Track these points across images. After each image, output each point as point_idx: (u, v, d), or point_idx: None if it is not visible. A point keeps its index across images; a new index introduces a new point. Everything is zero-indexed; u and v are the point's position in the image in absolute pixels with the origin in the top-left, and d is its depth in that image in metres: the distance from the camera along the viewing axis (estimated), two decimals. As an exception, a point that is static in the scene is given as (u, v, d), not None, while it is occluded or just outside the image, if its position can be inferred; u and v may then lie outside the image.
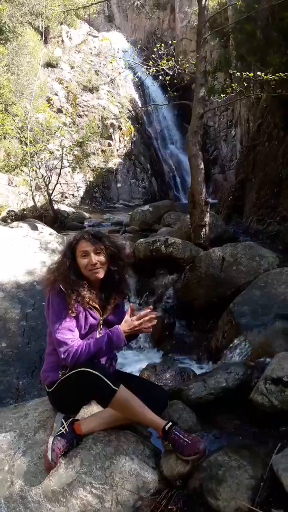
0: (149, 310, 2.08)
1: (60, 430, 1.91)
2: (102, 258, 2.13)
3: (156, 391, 2.15)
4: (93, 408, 2.13)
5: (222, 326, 3.63)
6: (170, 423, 1.90)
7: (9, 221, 7.89)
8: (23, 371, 3.43)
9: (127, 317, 2.06)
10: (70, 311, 2.04)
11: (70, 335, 2.01)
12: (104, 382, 1.85)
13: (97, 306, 2.15)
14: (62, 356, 1.97)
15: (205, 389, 2.40)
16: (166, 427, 1.88)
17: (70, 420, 1.97)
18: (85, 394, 2.01)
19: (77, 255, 2.13)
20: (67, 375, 1.98)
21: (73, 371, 1.95)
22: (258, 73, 4.85)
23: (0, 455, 1.89)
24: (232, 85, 5.52)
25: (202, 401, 2.35)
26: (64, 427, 1.93)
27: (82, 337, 2.09)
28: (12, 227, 6.17)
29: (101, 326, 2.19)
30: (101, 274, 2.13)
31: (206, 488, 1.71)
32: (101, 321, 2.18)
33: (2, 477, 1.80)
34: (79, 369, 1.93)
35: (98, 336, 2.14)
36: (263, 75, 4.86)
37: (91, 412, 2.10)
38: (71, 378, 1.96)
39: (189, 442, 1.82)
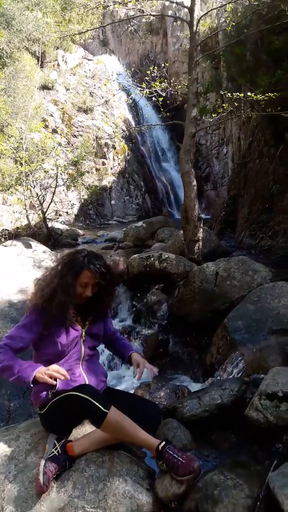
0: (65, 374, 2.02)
1: (53, 452, 1.86)
2: (95, 289, 2.14)
3: (149, 408, 2.11)
4: (86, 428, 2.08)
5: (216, 342, 3.60)
6: (164, 442, 1.86)
7: (3, 239, 7.89)
8: (14, 392, 3.36)
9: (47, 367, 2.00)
10: (36, 326, 2.06)
11: (11, 339, 2.01)
12: (94, 405, 1.82)
13: (77, 319, 2.17)
14: None
15: (199, 406, 2.36)
16: (160, 447, 1.84)
17: (63, 441, 1.93)
18: (76, 417, 1.98)
19: (77, 281, 2.09)
20: (56, 398, 1.95)
21: (62, 395, 1.92)
22: (248, 93, 4.96)
23: (-11, 479, 1.84)
24: (223, 105, 5.64)
25: (196, 418, 2.31)
26: (56, 448, 1.88)
27: (64, 348, 2.10)
28: (6, 246, 6.16)
29: (84, 337, 2.18)
30: (85, 300, 2.16)
31: (201, 509, 1.66)
32: (83, 333, 2.18)
33: (-8, 502, 1.74)
34: (68, 393, 1.90)
35: (82, 349, 2.15)
36: (252, 95, 4.97)
37: (84, 432, 2.05)
38: (61, 402, 1.92)
39: (183, 461, 1.78)
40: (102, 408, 1.82)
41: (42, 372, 1.93)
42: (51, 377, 1.92)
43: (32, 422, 2.27)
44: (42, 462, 1.81)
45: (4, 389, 3.33)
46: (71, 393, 1.89)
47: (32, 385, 1.95)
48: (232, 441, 2.19)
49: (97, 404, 1.82)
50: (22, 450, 2.00)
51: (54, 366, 1.97)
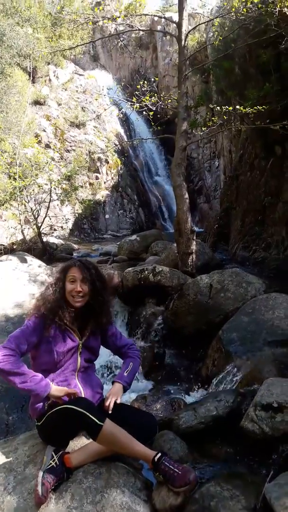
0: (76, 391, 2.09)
1: (50, 464, 1.88)
2: (86, 288, 2.21)
3: (144, 419, 2.14)
4: (83, 440, 2.10)
5: (211, 354, 3.63)
6: (160, 454, 1.88)
7: (-2, 254, 7.89)
8: (13, 406, 3.36)
9: (61, 388, 2.06)
10: (35, 333, 2.10)
11: (11, 344, 2.02)
12: (89, 419, 1.85)
13: (74, 328, 2.21)
14: None
15: (195, 418, 2.38)
16: (156, 458, 1.87)
17: (60, 453, 1.95)
18: (72, 429, 2.00)
19: (67, 279, 2.23)
20: (52, 411, 1.97)
21: (57, 408, 1.95)
22: (237, 106, 5.09)
23: (-11, 492, 1.85)
24: (213, 118, 5.76)
25: (192, 430, 2.34)
26: (54, 460, 1.90)
27: (60, 357, 2.14)
28: (1, 260, 6.18)
29: (81, 349, 2.22)
30: (80, 304, 2.21)
31: (199, 520, 1.68)
32: (81, 345, 2.22)
33: (-9, 516, 1.75)
34: (64, 406, 1.93)
35: (78, 360, 2.20)
36: (241, 108, 5.09)
37: (81, 444, 2.07)
38: (56, 415, 1.95)
39: (180, 472, 1.80)
40: (97, 421, 1.85)
41: (58, 390, 2.03)
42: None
43: (30, 434, 2.28)
44: (40, 473, 1.82)
45: (2, 403, 3.34)
46: (66, 406, 1.92)
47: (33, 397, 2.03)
48: (228, 452, 2.21)
49: (92, 417, 1.85)
50: (20, 462, 2.02)
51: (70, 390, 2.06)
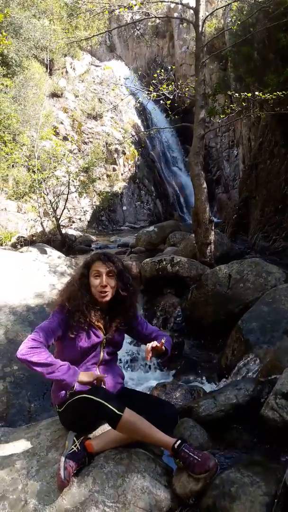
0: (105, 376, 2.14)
1: (72, 449, 1.92)
2: (112, 282, 2.19)
3: (165, 409, 2.15)
4: (105, 426, 2.14)
5: (231, 344, 3.62)
6: (180, 441, 1.90)
7: (19, 246, 8.01)
8: (35, 394, 3.44)
9: (89, 372, 2.10)
10: (60, 326, 2.11)
11: (39, 334, 2.03)
12: (108, 408, 1.87)
13: (100, 325, 2.20)
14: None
15: (215, 406, 2.39)
16: (176, 445, 1.88)
17: (82, 438, 1.99)
18: (91, 418, 2.04)
19: (91, 274, 2.20)
20: (72, 399, 2.00)
21: (77, 397, 1.97)
22: (256, 93, 4.99)
23: (13, 474, 1.91)
24: (232, 105, 5.67)
25: (212, 418, 2.34)
26: (76, 445, 1.94)
27: (84, 353, 2.16)
28: (22, 252, 6.28)
29: (105, 345, 2.23)
30: (107, 298, 2.19)
31: (219, 506, 1.69)
32: (105, 340, 2.22)
33: (16, 496, 1.80)
34: (80, 396, 1.96)
35: (101, 354, 2.21)
36: (261, 94, 4.99)
37: (102, 430, 2.11)
38: (75, 404, 1.98)
39: (199, 459, 1.81)
40: (116, 411, 1.87)
41: (86, 375, 2.05)
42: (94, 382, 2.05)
43: (52, 420, 2.34)
44: (63, 458, 1.87)
45: (24, 390, 3.42)
46: (85, 395, 1.94)
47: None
48: (248, 441, 2.21)
49: (110, 407, 1.87)
50: (43, 446, 2.07)
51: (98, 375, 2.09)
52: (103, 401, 1.88)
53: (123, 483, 1.80)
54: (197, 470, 1.79)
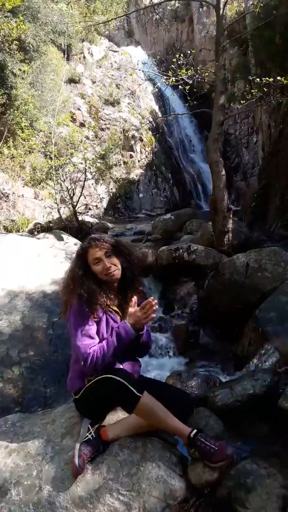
0: (150, 298, 2.07)
1: (87, 436, 1.92)
2: (114, 259, 2.16)
3: (182, 397, 2.13)
4: (119, 414, 2.13)
5: (247, 333, 3.57)
6: (195, 431, 1.88)
7: (36, 233, 8.05)
8: (50, 380, 3.47)
9: (130, 310, 2.07)
10: (91, 317, 2.06)
11: (90, 340, 2.03)
12: (128, 389, 1.86)
13: (116, 309, 2.18)
14: (82, 363, 2.00)
15: (232, 396, 2.36)
16: (191, 435, 1.86)
17: (96, 426, 1.98)
18: (110, 400, 2.01)
19: (90, 264, 2.16)
20: (91, 382, 1.99)
21: (97, 378, 1.96)
22: (278, 78, 4.82)
23: (28, 460, 1.92)
24: (252, 91, 5.51)
25: (229, 408, 2.32)
26: (90, 433, 1.94)
27: (104, 338, 2.11)
28: (39, 238, 6.30)
29: None
30: (118, 275, 2.16)
31: (234, 497, 1.67)
32: None
33: (31, 482, 1.82)
34: (103, 376, 1.94)
35: None
36: (282, 79, 4.83)
37: (117, 418, 2.10)
38: (95, 385, 1.97)
39: (216, 448, 1.79)
40: (135, 392, 1.86)
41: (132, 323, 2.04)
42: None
43: (67, 407, 2.34)
44: (77, 445, 1.87)
45: (40, 376, 3.46)
46: (106, 375, 1.93)
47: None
48: (265, 432, 2.18)
49: (130, 387, 1.86)
50: (58, 433, 2.08)
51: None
52: (124, 381, 1.87)
53: (138, 471, 1.79)
54: (215, 459, 1.77)
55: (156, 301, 2.07)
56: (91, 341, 2.03)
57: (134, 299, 2.11)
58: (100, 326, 2.11)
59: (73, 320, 2.09)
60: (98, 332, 2.11)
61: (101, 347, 2.01)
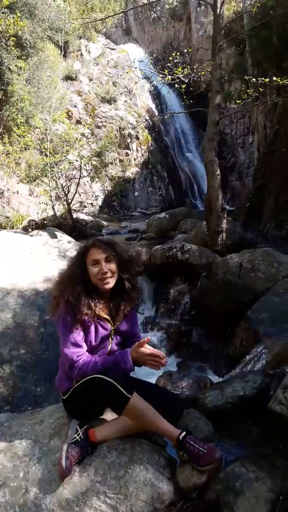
0: (163, 355, 2.02)
1: (75, 438, 1.89)
2: (113, 266, 2.09)
3: (171, 399, 2.11)
4: (108, 415, 2.11)
5: (239, 334, 3.56)
6: (184, 433, 1.86)
7: (30, 230, 8.01)
8: (41, 378, 3.45)
9: (139, 349, 1.99)
10: (78, 325, 2.02)
11: (77, 349, 1.99)
12: (117, 389, 1.83)
13: (107, 316, 2.12)
14: (68, 369, 1.98)
15: (222, 397, 2.34)
16: (180, 437, 1.84)
17: (85, 427, 1.96)
18: (99, 401, 1.98)
19: (88, 263, 2.09)
20: (80, 382, 1.97)
21: (86, 378, 1.94)
22: (274, 78, 4.82)
23: (15, 461, 1.90)
24: (248, 91, 5.50)
25: (219, 410, 2.30)
26: (78, 434, 1.91)
27: (93, 348, 2.08)
28: (32, 235, 6.26)
29: (113, 336, 2.16)
30: (110, 284, 2.09)
31: (222, 501, 1.65)
32: (113, 331, 2.15)
33: (17, 484, 1.79)
34: (92, 376, 1.91)
35: (109, 346, 2.13)
36: (279, 80, 4.82)
37: (106, 420, 2.08)
38: (84, 385, 1.95)
39: (205, 451, 1.77)
40: (125, 392, 1.83)
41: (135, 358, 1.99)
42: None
43: (55, 407, 2.32)
44: (65, 447, 1.84)
45: (31, 374, 3.44)
46: (95, 375, 1.90)
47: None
48: (254, 434, 2.17)
49: (120, 388, 1.84)
50: (46, 434, 2.06)
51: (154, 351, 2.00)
52: (113, 382, 1.84)
53: (126, 474, 1.77)
54: (203, 462, 1.75)
55: (167, 359, 2.06)
56: (78, 349, 2.00)
57: (147, 338, 2.03)
58: (88, 334, 2.07)
59: (61, 326, 2.05)
60: (86, 340, 2.06)
61: (95, 363, 1.97)
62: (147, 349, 1.99)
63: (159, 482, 1.77)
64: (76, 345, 2.00)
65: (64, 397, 2.10)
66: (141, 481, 1.75)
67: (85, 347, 2.04)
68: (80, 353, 1.99)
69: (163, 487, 1.77)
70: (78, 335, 2.02)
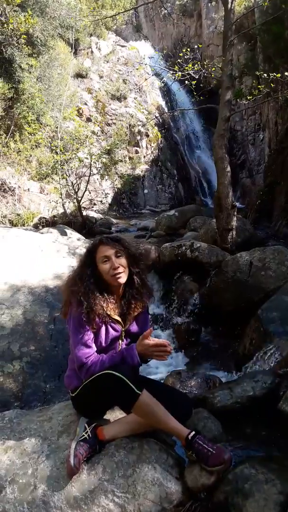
0: (167, 342, 2.00)
1: (83, 435, 1.89)
2: (123, 260, 2.07)
3: (180, 399, 2.09)
4: (116, 414, 2.10)
5: (249, 333, 3.53)
6: (194, 432, 1.84)
7: (40, 227, 8.05)
8: (50, 375, 3.46)
9: (144, 341, 1.97)
10: (90, 326, 2.00)
11: (87, 350, 1.98)
12: (128, 385, 1.82)
13: (118, 318, 2.10)
14: (78, 371, 1.97)
15: (231, 397, 2.32)
16: (189, 436, 1.83)
17: (93, 425, 1.95)
18: (108, 397, 1.96)
19: (98, 262, 2.08)
20: (90, 378, 1.96)
21: (97, 374, 1.93)
22: (286, 73, 4.75)
23: (24, 458, 1.90)
24: (259, 86, 5.43)
25: (228, 410, 2.28)
26: (87, 432, 1.91)
27: (103, 350, 2.06)
28: (42, 233, 6.29)
29: (123, 337, 2.14)
30: (123, 279, 2.07)
31: (231, 502, 1.64)
32: (123, 332, 2.13)
33: (26, 480, 1.80)
34: (104, 372, 1.90)
35: (119, 347, 2.12)
36: (291, 75, 4.76)
37: (114, 418, 2.07)
38: (94, 382, 1.94)
39: (214, 452, 1.76)
40: (135, 389, 1.82)
41: (141, 352, 1.96)
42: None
43: (64, 405, 2.32)
44: (73, 444, 1.84)
45: (40, 371, 3.45)
46: (106, 371, 1.89)
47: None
48: (264, 435, 2.14)
49: (130, 384, 1.82)
50: (54, 431, 2.06)
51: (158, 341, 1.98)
52: (124, 377, 1.83)
53: (134, 473, 1.76)
54: (211, 462, 1.74)
55: (171, 347, 2.02)
56: (88, 350, 1.99)
57: (150, 330, 2.01)
58: (99, 335, 2.05)
59: (72, 326, 2.04)
60: (96, 341, 2.05)
61: (102, 362, 1.96)
62: (151, 340, 1.97)
63: (167, 482, 1.76)
64: (86, 345, 1.99)
65: (73, 395, 2.09)
66: (149, 480, 1.74)
67: (94, 348, 2.02)
68: (89, 354, 1.98)
69: (171, 486, 1.76)
70: (88, 336, 2.01)
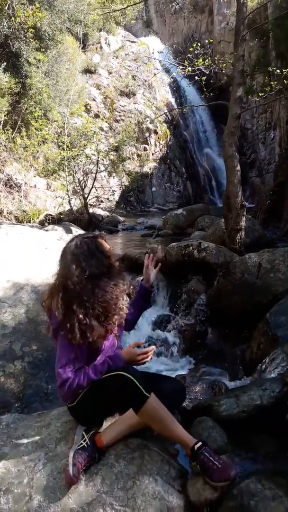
0: (152, 348, 1.96)
1: (81, 444, 1.81)
2: None
3: (172, 384, 2.06)
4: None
5: (257, 337, 3.43)
6: (200, 443, 1.76)
7: (46, 224, 8.00)
8: (52, 375, 3.38)
9: (132, 350, 1.92)
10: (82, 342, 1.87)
11: (70, 365, 1.83)
12: (137, 387, 1.75)
13: (114, 331, 2.04)
14: (59, 387, 1.81)
15: (237, 406, 2.22)
16: (196, 447, 1.75)
17: (91, 433, 1.87)
18: (113, 400, 1.88)
19: (111, 257, 2.03)
20: (99, 378, 1.86)
21: (105, 376, 1.83)
22: (299, 70, 4.63)
23: (20, 466, 1.83)
24: (271, 82, 5.31)
25: (233, 419, 2.18)
26: (85, 440, 1.83)
27: (101, 349, 1.99)
28: (47, 230, 6.23)
29: (117, 332, 2.12)
30: None
31: (236, 519, 1.55)
32: (116, 338, 2.11)
33: (21, 490, 1.72)
34: (114, 373, 1.81)
35: (116, 343, 2.10)
36: (304, 72, 4.63)
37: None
38: (103, 382, 1.84)
39: (220, 466, 1.67)
40: (144, 391, 1.75)
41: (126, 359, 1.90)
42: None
43: (64, 410, 2.24)
44: (71, 453, 1.76)
45: (42, 372, 3.39)
46: (116, 372, 1.81)
47: None
48: (271, 447, 2.04)
49: (139, 385, 1.75)
50: (52, 438, 1.99)
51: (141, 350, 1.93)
52: (133, 379, 1.76)
53: (134, 485, 1.68)
54: (216, 477, 1.65)
55: (154, 348, 2.00)
56: (71, 365, 1.84)
57: (137, 342, 1.98)
58: (104, 346, 1.99)
59: (62, 336, 1.90)
60: (97, 353, 1.95)
61: (86, 375, 1.83)
62: (138, 350, 1.93)
63: (168, 496, 1.68)
64: (72, 363, 1.85)
65: (71, 405, 1.98)
66: (150, 493, 1.66)
67: (79, 362, 1.88)
68: (72, 369, 1.83)
69: (173, 500, 1.67)
70: (75, 350, 1.87)
